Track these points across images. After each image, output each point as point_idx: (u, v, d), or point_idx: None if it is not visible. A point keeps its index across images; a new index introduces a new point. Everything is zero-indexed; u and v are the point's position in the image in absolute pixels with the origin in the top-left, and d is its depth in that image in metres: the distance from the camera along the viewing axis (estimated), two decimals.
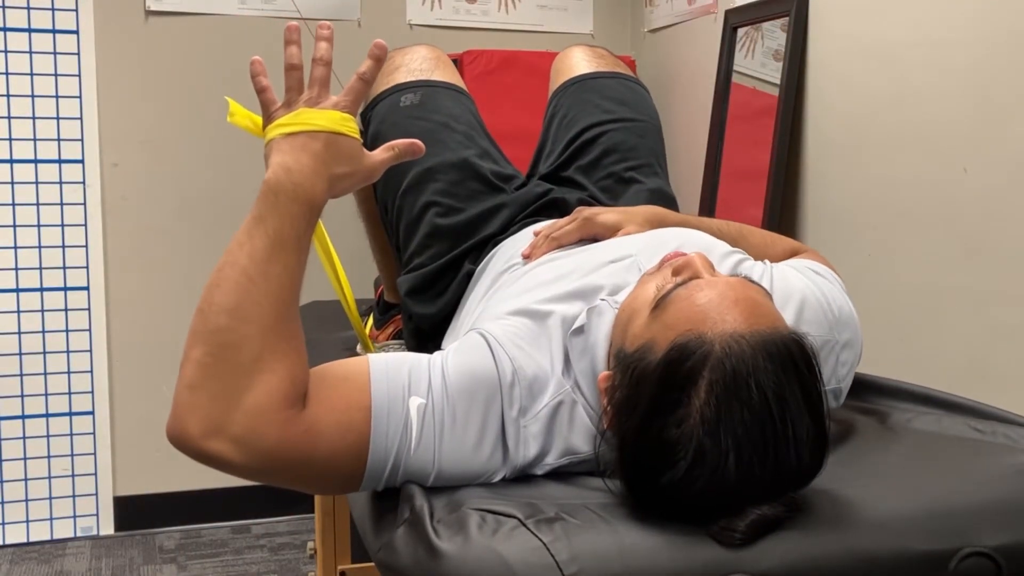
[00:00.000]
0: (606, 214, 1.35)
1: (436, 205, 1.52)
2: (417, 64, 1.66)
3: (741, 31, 2.65)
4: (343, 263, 1.35)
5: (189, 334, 0.99)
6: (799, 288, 1.18)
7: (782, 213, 2.44)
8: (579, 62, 1.77)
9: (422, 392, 0.98)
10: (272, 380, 0.94)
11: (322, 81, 1.10)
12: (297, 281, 1.01)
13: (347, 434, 0.96)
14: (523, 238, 1.43)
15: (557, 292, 1.13)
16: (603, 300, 1.09)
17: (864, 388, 1.28)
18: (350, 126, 1.07)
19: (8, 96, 2.81)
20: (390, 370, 0.99)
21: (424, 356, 1.04)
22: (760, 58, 2.56)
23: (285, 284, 0.99)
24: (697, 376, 0.86)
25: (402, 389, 0.98)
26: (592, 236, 1.34)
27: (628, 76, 1.78)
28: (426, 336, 1.51)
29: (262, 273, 0.98)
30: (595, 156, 1.63)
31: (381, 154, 1.10)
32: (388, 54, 1.73)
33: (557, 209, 1.52)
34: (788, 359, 0.87)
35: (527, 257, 1.34)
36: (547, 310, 1.09)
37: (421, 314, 1.50)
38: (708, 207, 2.70)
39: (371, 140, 1.57)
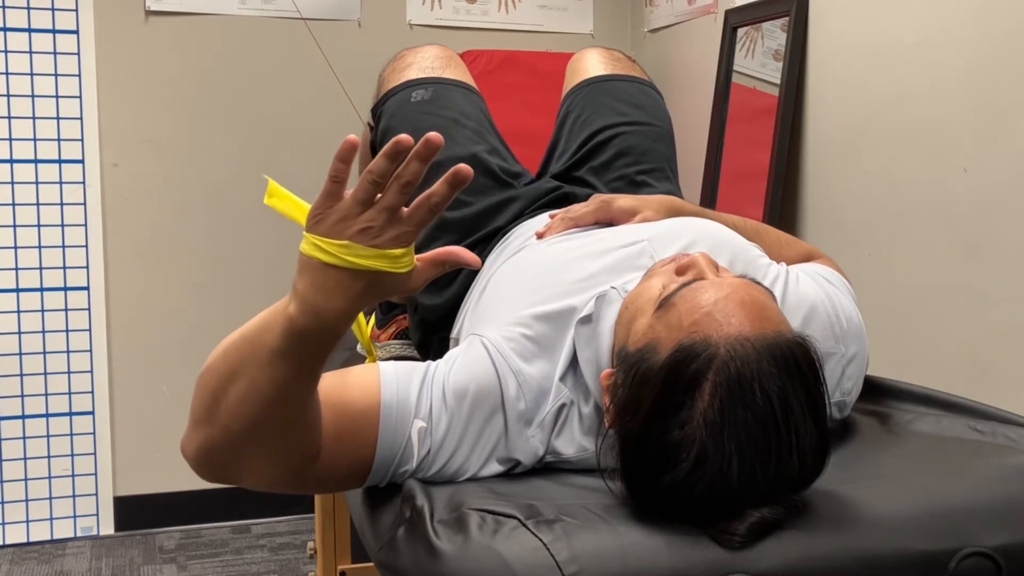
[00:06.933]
0: (623, 200, 1.36)
1: None
2: (428, 62, 1.68)
3: (741, 31, 2.65)
4: None
5: (197, 409, 0.96)
6: (810, 296, 1.18)
7: (782, 213, 2.44)
8: (595, 64, 1.78)
9: (423, 414, 1.01)
10: (284, 471, 0.98)
11: (393, 209, 0.87)
12: (316, 384, 0.95)
13: (354, 466, 1.01)
14: (535, 224, 1.44)
15: (571, 280, 1.14)
16: (613, 288, 1.09)
17: (864, 388, 1.28)
18: (405, 261, 0.89)
19: (8, 96, 2.80)
20: (400, 402, 1.01)
21: (431, 370, 1.05)
22: (760, 58, 2.56)
23: (307, 394, 0.94)
24: (701, 379, 0.86)
25: (408, 417, 1.01)
26: (608, 220, 1.34)
27: (643, 80, 1.79)
28: (432, 327, 1.51)
29: (281, 396, 0.91)
30: (607, 158, 1.63)
31: (425, 272, 0.93)
32: (399, 52, 1.74)
33: (568, 204, 1.52)
34: (793, 363, 0.87)
35: (541, 236, 1.35)
36: (568, 306, 1.09)
37: (428, 305, 1.50)
38: (708, 207, 2.69)
39: (381, 135, 1.60)
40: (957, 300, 1.95)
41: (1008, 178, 1.83)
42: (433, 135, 0.86)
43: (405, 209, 0.88)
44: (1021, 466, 0.99)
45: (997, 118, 1.85)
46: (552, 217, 1.38)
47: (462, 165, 0.88)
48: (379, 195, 0.87)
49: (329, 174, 0.87)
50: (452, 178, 0.87)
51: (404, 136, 0.85)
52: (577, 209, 1.36)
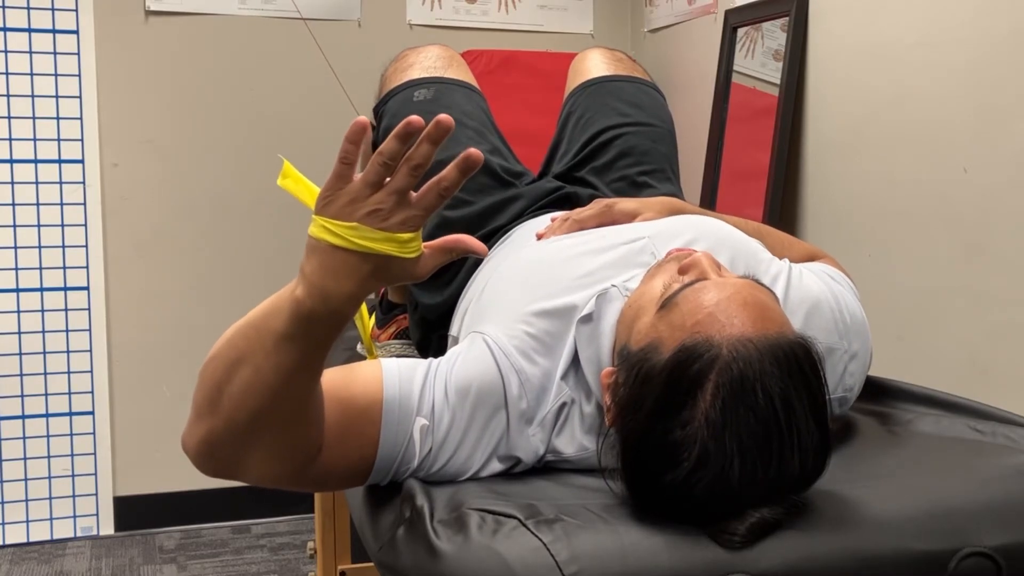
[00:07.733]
0: (625, 203, 1.36)
1: None
2: (431, 62, 1.68)
3: (741, 31, 2.65)
4: None
5: (200, 401, 0.95)
6: (814, 291, 1.18)
7: (782, 213, 2.44)
8: (597, 64, 1.78)
9: (425, 412, 1.01)
10: (287, 466, 0.97)
11: (402, 192, 0.88)
12: (321, 373, 0.95)
13: (356, 463, 1.01)
14: (535, 225, 1.44)
15: (571, 277, 1.13)
16: (614, 286, 1.09)
17: (865, 388, 1.28)
18: (413, 246, 0.90)
19: (8, 96, 2.80)
20: (402, 398, 1.01)
21: (432, 367, 1.04)
22: (760, 58, 2.56)
23: (311, 383, 0.94)
24: (704, 379, 0.86)
25: (410, 414, 1.00)
26: (611, 223, 1.34)
27: (645, 81, 1.79)
28: (431, 326, 1.51)
29: (286, 384, 0.91)
30: (609, 158, 1.63)
31: (433, 259, 0.94)
32: (402, 52, 1.74)
33: (570, 204, 1.53)
34: (795, 364, 0.87)
35: (541, 238, 1.34)
36: (569, 303, 1.09)
37: (428, 304, 1.50)
38: (708, 207, 2.69)
39: (382, 134, 1.59)
40: (957, 300, 1.95)
41: (1008, 178, 1.83)
42: (444, 117, 0.85)
43: (414, 193, 0.89)
44: (1021, 466, 0.99)
45: (997, 118, 1.85)
46: (553, 220, 1.38)
47: (473, 150, 0.88)
48: (388, 178, 0.88)
49: (339, 156, 0.87)
50: (463, 162, 0.87)
51: (415, 118, 0.85)
52: (579, 213, 1.36)
